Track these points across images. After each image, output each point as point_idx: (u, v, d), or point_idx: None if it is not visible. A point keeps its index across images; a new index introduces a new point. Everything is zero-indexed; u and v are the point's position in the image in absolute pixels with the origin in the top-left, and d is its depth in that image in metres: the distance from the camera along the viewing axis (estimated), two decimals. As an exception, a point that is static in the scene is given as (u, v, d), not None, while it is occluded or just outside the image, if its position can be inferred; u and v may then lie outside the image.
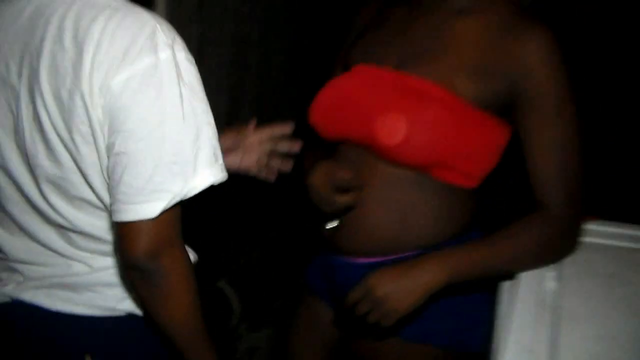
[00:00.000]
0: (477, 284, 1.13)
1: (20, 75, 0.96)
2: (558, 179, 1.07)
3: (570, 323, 0.97)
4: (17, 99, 0.97)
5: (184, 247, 0.99)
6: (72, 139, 0.94)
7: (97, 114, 0.91)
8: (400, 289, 1.05)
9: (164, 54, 0.91)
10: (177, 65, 0.92)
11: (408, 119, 1.07)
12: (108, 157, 0.93)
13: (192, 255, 1.09)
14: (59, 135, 0.94)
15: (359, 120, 1.15)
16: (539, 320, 0.98)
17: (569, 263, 1.12)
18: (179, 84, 0.91)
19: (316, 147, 1.30)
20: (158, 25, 0.92)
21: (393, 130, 1.07)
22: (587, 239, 1.15)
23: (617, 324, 0.97)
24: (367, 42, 1.24)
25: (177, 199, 0.92)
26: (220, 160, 0.97)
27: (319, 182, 1.15)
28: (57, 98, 0.92)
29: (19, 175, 1.01)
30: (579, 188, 1.08)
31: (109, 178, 0.93)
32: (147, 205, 0.90)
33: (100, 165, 0.95)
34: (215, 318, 2.50)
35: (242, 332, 2.70)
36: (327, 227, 1.21)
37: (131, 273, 0.96)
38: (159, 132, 0.90)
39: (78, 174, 0.97)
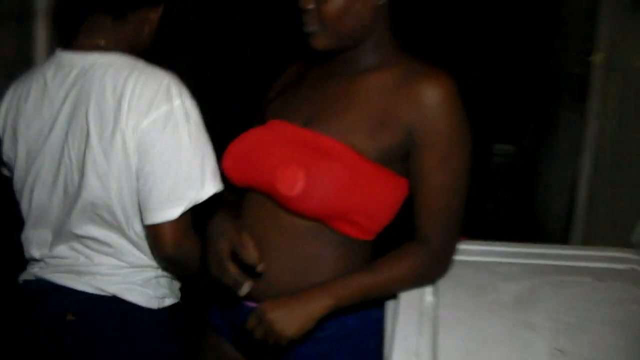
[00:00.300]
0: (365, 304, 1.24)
1: (70, 118, 1.34)
2: (439, 217, 1.17)
3: (447, 329, 1.09)
4: (65, 137, 1.34)
5: (196, 235, 1.34)
6: (109, 170, 1.29)
7: (131, 147, 1.28)
8: (287, 315, 1.12)
9: (177, 102, 1.29)
10: (185, 109, 1.30)
11: (307, 173, 1.14)
12: (138, 178, 1.29)
13: None
14: (96, 169, 1.29)
15: (263, 170, 1.20)
16: (421, 329, 1.10)
17: (444, 279, 1.25)
18: (188, 123, 1.29)
19: (227, 193, 1.36)
20: (171, 81, 1.30)
21: (292, 181, 1.14)
22: (458, 257, 1.29)
23: (486, 326, 1.11)
24: (284, 99, 1.32)
25: (191, 204, 1.29)
26: (219, 177, 1.33)
27: (218, 256, 1.18)
28: (100, 137, 1.29)
29: (52, 198, 1.39)
30: (457, 225, 1.19)
31: (138, 195, 1.30)
32: (171, 210, 1.28)
33: (121, 192, 1.31)
34: None
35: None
36: (242, 294, 1.18)
37: (164, 262, 1.39)
38: (176, 157, 1.27)
39: (103, 200, 1.32)
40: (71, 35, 1.41)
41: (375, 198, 1.18)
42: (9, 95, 1.45)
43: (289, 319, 1.12)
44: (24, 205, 1.45)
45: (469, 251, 1.40)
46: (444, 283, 1.25)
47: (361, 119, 1.17)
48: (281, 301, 1.14)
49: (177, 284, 1.52)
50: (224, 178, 1.32)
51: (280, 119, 1.27)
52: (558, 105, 3.34)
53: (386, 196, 1.19)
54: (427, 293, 1.23)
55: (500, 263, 1.39)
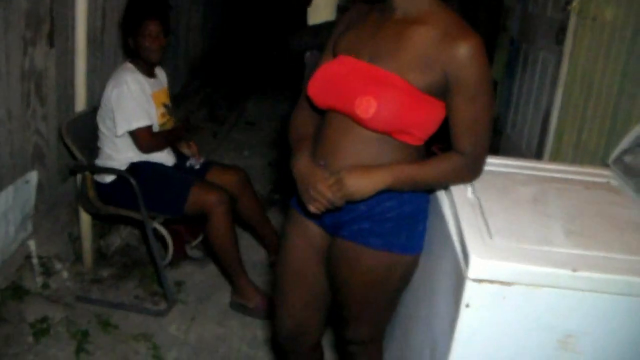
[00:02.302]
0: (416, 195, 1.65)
1: None
2: (469, 138, 1.54)
3: (492, 217, 1.55)
4: None
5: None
6: None
7: None
8: (357, 179, 1.53)
9: None
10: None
11: (377, 100, 1.50)
12: None
13: None
14: None
15: (343, 97, 1.56)
16: (476, 215, 1.55)
17: (478, 182, 1.67)
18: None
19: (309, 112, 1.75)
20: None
21: (367, 107, 1.51)
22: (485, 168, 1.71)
23: (518, 215, 1.57)
24: (349, 38, 1.66)
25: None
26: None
27: (303, 175, 1.62)
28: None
29: None
30: (483, 143, 1.55)
31: None
32: None
33: None
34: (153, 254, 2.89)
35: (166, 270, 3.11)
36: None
37: None
38: None
39: None
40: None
41: (424, 116, 1.56)
42: None
43: (358, 182, 1.55)
44: None
45: (491, 163, 1.85)
46: (478, 185, 1.70)
47: (413, 60, 1.51)
48: (354, 169, 1.56)
49: None
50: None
51: (349, 54, 1.62)
52: (539, 46, 3.78)
53: (432, 115, 1.57)
54: (469, 193, 1.68)
55: (515, 173, 1.87)
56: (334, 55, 1.70)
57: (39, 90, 2.77)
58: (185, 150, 3.16)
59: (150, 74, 2.96)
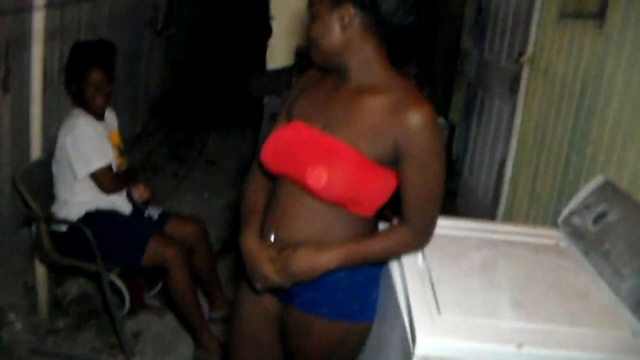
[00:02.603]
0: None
1: None
2: (418, 208, 1.56)
3: (441, 286, 1.58)
4: None
5: None
6: None
7: None
8: (302, 258, 1.55)
9: None
10: None
11: (329, 171, 1.51)
12: None
13: None
14: None
15: (295, 166, 1.58)
16: (424, 287, 1.58)
17: (429, 249, 1.69)
18: None
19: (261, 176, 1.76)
20: None
21: (318, 178, 1.52)
22: (438, 231, 1.72)
23: (466, 285, 1.61)
24: (303, 103, 1.68)
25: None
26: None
27: (250, 256, 1.64)
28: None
29: None
30: (433, 214, 1.58)
31: None
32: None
33: None
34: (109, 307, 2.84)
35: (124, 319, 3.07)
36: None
37: None
38: None
39: None
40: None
41: (376, 187, 1.57)
42: None
43: (305, 265, 1.56)
44: None
45: (444, 226, 1.88)
46: (429, 253, 1.72)
47: (365, 131, 1.53)
48: (301, 251, 1.57)
49: None
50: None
51: (303, 120, 1.64)
52: (494, 93, 3.87)
53: (383, 186, 1.58)
54: (419, 260, 1.71)
55: (467, 237, 1.90)
56: (289, 119, 1.72)
57: (-9, 138, 2.74)
58: (136, 195, 3.12)
59: (100, 117, 2.96)
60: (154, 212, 3.08)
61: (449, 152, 4.77)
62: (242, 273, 1.83)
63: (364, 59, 1.56)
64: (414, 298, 1.51)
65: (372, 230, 1.69)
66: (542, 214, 2.88)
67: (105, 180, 2.84)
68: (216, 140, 6.55)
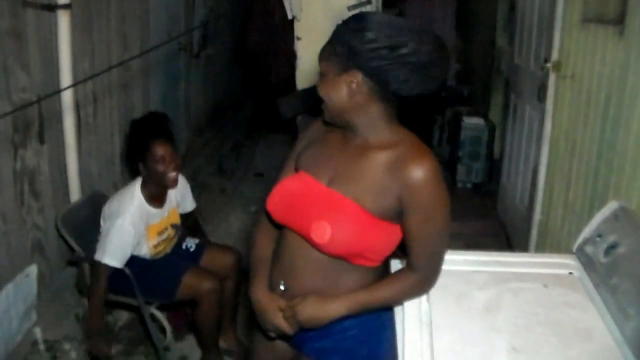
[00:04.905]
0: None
1: None
2: (423, 258, 1.60)
3: (439, 333, 1.59)
4: None
5: None
6: None
7: None
8: (309, 308, 1.61)
9: None
10: None
11: (333, 226, 1.53)
12: None
13: None
14: None
15: (299, 220, 1.62)
16: (421, 334, 1.59)
17: (435, 289, 1.70)
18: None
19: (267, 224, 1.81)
20: None
21: (322, 233, 1.55)
22: (445, 267, 1.71)
23: (465, 330, 1.61)
24: (310, 155, 1.71)
25: None
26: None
27: (260, 306, 1.70)
28: None
29: None
30: (437, 262, 1.62)
31: None
32: None
33: None
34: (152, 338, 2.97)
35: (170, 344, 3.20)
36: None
37: None
38: None
39: None
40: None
41: (380, 242, 1.61)
42: None
43: (312, 315, 1.61)
44: None
45: (453, 261, 1.88)
46: (434, 294, 1.73)
47: (369, 187, 1.56)
48: (309, 300, 1.62)
49: None
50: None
51: (309, 173, 1.67)
52: (524, 98, 3.79)
53: (387, 240, 1.62)
54: (423, 301, 1.72)
55: (475, 272, 1.90)
56: (296, 169, 1.75)
57: (32, 186, 2.88)
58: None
59: (159, 200, 2.96)
60: (191, 244, 3.17)
61: (490, 153, 4.71)
62: (255, 320, 1.90)
63: (371, 119, 1.59)
64: (409, 347, 1.54)
65: (382, 275, 1.71)
66: (577, 222, 2.82)
67: (99, 274, 2.78)
68: (263, 150, 6.64)
